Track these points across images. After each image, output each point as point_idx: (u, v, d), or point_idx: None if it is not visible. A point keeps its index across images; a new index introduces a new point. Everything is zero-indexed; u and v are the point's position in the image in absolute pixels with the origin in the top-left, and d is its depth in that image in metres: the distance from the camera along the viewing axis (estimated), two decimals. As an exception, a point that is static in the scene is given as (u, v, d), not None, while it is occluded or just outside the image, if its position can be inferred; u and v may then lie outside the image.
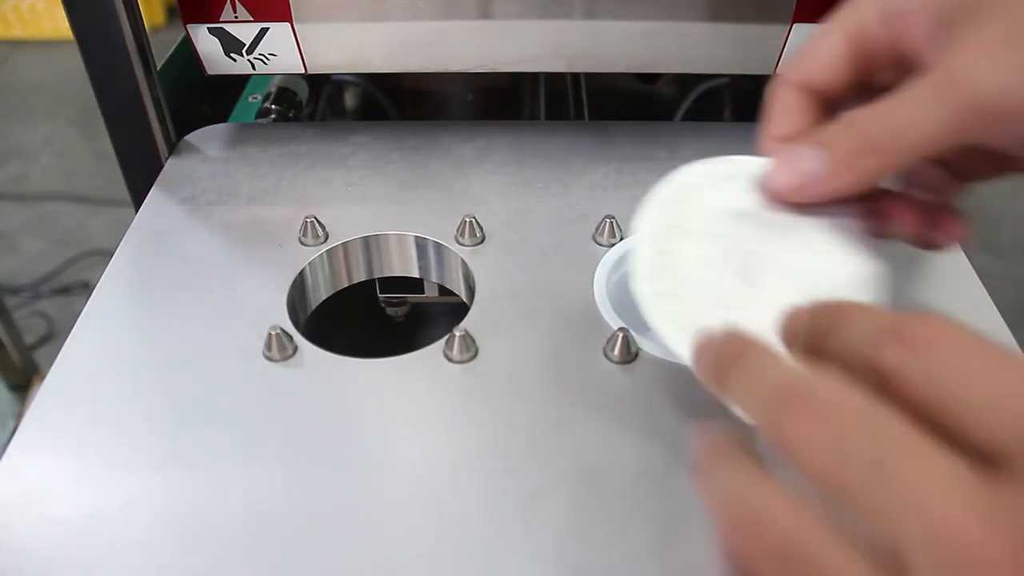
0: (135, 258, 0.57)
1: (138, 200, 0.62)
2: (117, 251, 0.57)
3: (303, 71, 0.63)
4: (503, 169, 0.64)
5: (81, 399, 0.47)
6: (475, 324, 0.51)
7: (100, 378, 0.48)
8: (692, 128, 0.69)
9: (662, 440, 0.45)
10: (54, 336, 1.82)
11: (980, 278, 0.54)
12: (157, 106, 0.63)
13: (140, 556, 0.40)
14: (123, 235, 0.58)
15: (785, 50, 0.61)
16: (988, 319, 0.52)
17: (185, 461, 0.44)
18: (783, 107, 0.42)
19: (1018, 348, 0.50)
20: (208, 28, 0.61)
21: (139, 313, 0.53)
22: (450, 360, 0.49)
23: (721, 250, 0.42)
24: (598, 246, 0.57)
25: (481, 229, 0.58)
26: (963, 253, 0.56)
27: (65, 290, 1.97)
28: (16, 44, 3.10)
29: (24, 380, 1.56)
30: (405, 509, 0.42)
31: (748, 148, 0.72)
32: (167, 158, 0.65)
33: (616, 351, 0.49)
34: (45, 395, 0.47)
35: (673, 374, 0.48)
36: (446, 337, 0.50)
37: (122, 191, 0.65)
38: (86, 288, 1.94)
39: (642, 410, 0.46)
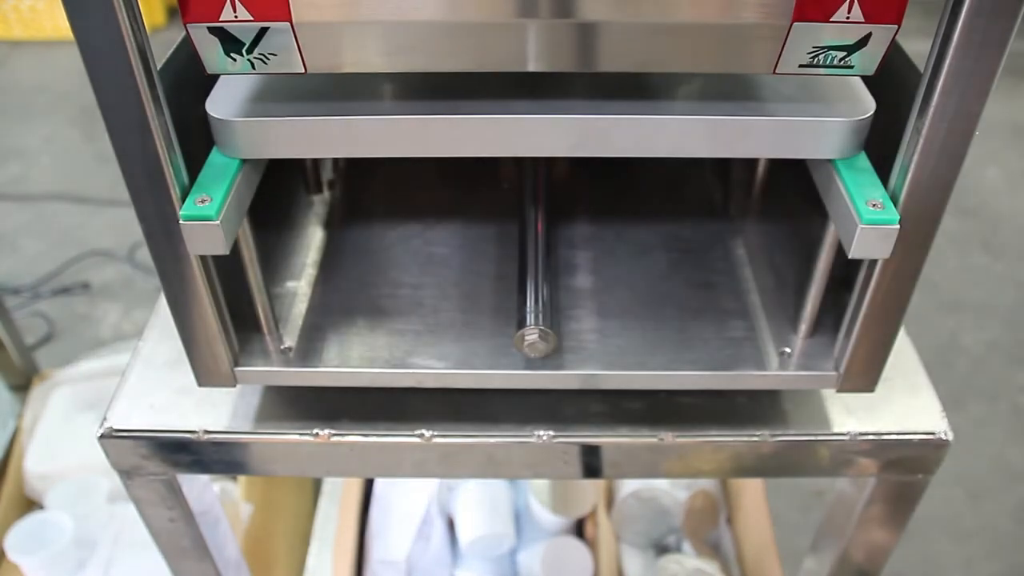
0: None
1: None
2: None
3: (303, 71, 0.63)
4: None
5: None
6: (475, 324, 0.51)
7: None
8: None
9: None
10: (54, 336, 1.82)
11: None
12: (157, 106, 0.63)
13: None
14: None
15: (785, 50, 0.61)
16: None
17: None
18: None
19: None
20: (208, 28, 0.61)
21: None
22: (450, 360, 0.49)
23: None
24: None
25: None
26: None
27: (65, 290, 1.97)
28: (16, 44, 3.10)
29: (24, 380, 1.56)
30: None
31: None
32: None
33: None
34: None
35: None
36: (446, 337, 0.50)
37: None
38: (86, 288, 1.94)
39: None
